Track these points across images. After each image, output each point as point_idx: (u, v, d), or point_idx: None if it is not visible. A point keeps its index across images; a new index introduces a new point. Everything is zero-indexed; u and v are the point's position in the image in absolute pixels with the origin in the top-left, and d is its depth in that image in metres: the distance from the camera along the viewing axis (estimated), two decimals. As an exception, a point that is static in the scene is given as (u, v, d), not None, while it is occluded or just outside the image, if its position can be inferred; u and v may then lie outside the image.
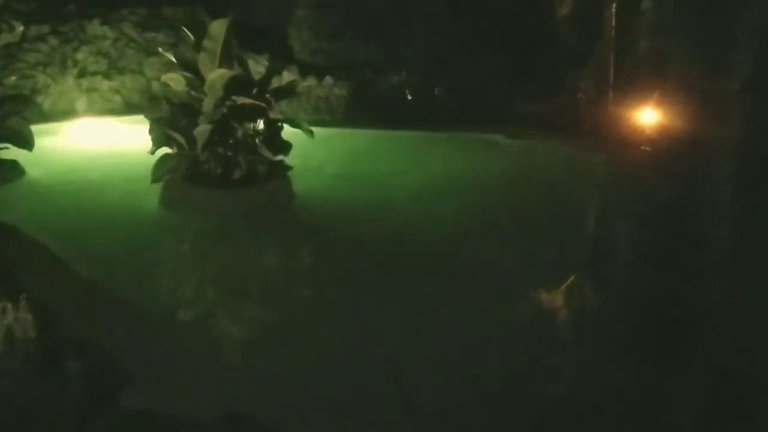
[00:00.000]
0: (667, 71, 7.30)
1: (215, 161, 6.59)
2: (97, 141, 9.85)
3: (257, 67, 10.10)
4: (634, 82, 8.40)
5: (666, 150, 8.06)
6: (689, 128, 6.45)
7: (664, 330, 4.10)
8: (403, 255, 5.97)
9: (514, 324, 4.69)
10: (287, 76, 10.20)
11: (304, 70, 10.87)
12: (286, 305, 5.10)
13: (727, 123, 3.32)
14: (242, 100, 6.39)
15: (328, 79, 10.76)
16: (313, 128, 7.19)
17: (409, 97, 10.79)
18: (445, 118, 10.41)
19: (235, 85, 6.39)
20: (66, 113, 10.79)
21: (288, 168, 6.96)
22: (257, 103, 6.43)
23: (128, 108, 11.07)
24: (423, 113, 10.53)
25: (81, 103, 10.95)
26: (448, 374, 4.05)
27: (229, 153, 6.61)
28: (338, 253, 6.01)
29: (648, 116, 8.64)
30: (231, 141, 6.60)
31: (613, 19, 8.81)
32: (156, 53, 10.98)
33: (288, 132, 7.05)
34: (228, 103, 6.44)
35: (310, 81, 10.52)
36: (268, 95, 6.74)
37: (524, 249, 6.08)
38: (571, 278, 5.40)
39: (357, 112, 10.71)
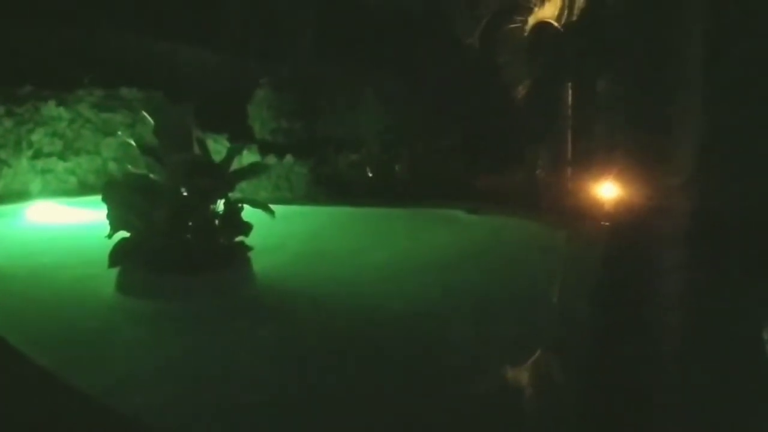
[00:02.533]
0: (622, 150, 7.50)
1: (174, 245, 6.47)
2: (52, 223, 9.65)
3: (217, 146, 10.09)
4: (591, 158, 8.58)
5: (623, 226, 8.18)
6: (640, 210, 6.62)
7: (626, 408, 4.07)
8: (365, 336, 5.88)
9: (474, 406, 4.62)
10: (248, 156, 10.21)
11: (265, 149, 10.89)
12: (244, 391, 4.94)
13: (672, 213, 3.40)
14: (202, 183, 6.33)
15: (289, 158, 10.78)
16: (274, 206, 7.14)
17: (370, 174, 10.85)
18: (406, 194, 10.48)
19: (194, 169, 6.34)
20: (20, 195, 10.59)
21: (248, 249, 6.86)
22: (217, 185, 6.38)
23: (84, 189, 10.93)
24: (384, 189, 10.60)
25: (35, 185, 10.77)
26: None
27: (189, 236, 6.50)
28: (300, 338, 5.87)
29: (606, 191, 8.79)
30: (190, 224, 6.51)
31: (570, 97, 9.05)
32: (113, 134, 10.92)
33: (249, 209, 6.97)
34: (187, 186, 6.38)
35: (270, 160, 10.53)
36: (228, 178, 6.69)
37: (487, 328, 6.05)
38: (532, 358, 5.38)
39: (318, 189, 10.73)
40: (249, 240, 6.95)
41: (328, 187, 10.65)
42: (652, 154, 3.18)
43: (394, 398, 4.79)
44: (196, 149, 6.64)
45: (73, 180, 11.08)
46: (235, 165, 7.21)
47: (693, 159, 3.30)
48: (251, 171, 7.31)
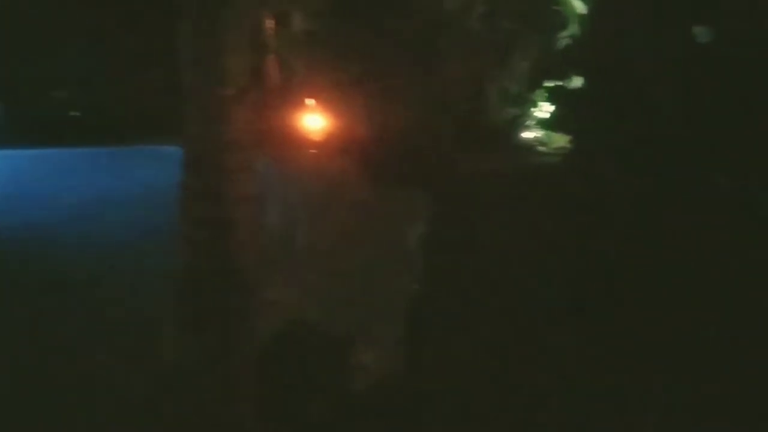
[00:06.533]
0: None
1: None
2: None
3: None
4: (287, 92, 8.87)
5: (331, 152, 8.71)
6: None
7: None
8: (51, 274, 5.84)
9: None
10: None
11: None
12: None
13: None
14: None
15: (-20, 98, 9.99)
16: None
17: (76, 113, 10.39)
18: (118, 133, 10.17)
19: None
20: None
21: None
22: None
23: None
24: (92, 129, 10.19)
25: None
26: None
27: None
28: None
29: (310, 121, 9.19)
30: None
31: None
32: None
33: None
34: None
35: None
36: None
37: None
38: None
39: (17, 131, 10.03)
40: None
41: (29, 129, 9.99)
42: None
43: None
44: None
45: None
46: None
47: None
48: None
